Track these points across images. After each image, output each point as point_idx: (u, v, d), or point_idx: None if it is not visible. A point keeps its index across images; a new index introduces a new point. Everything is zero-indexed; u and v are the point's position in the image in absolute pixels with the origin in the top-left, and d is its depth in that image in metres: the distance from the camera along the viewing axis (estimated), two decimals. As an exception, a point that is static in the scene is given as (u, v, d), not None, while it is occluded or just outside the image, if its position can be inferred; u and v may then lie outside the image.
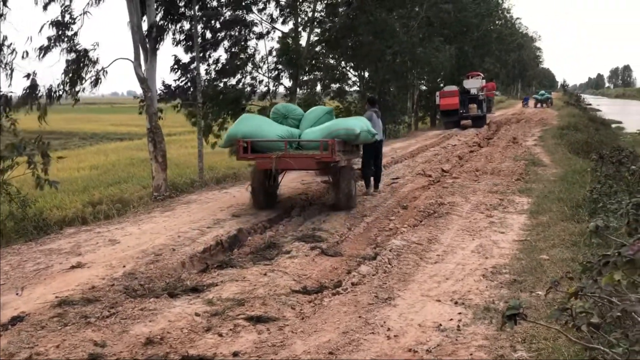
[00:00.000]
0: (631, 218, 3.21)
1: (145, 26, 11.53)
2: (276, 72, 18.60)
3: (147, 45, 11.25)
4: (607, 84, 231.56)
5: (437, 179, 12.27)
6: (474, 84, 29.08)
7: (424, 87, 33.44)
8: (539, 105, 50.15)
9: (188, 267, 6.32)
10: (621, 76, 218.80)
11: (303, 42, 18.79)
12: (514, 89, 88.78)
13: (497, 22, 40.48)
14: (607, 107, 67.95)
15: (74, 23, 10.86)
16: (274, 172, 8.74)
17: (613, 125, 40.21)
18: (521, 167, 13.41)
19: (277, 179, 9.39)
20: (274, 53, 18.42)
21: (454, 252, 6.65)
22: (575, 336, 2.70)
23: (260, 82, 18.46)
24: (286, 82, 18.81)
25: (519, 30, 70.84)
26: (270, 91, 18.47)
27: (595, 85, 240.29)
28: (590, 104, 67.72)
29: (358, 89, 24.53)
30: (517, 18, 67.91)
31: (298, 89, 19.18)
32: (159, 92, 14.55)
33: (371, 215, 8.82)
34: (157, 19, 13.12)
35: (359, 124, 8.99)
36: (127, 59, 11.21)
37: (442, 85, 32.34)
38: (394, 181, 11.97)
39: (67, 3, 10.78)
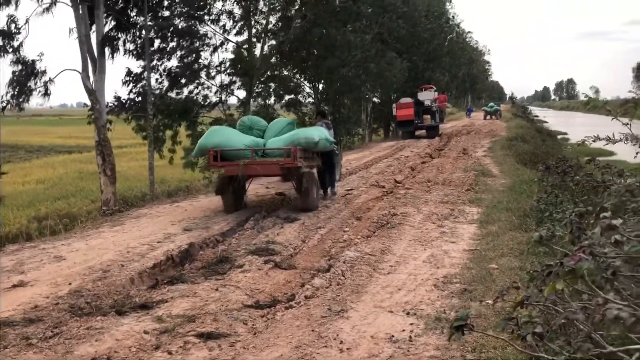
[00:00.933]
0: (574, 227, 3.30)
1: (94, 36, 11.28)
2: (229, 83, 18.50)
3: (96, 56, 10.99)
4: (553, 97, 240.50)
5: (390, 190, 12.39)
6: (427, 96, 30.74)
7: (377, 100, 33.90)
8: (488, 117, 51.46)
9: (137, 283, 6.14)
10: (566, 89, 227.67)
11: (257, 53, 18.76)
12: (464, 102, 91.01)
13: (448, 36, 41.51)
14: (553, 119, 70.56)
15: (19, 33, 10.54)
16: (241, 177, 9.52)
17: (559, 137, 41.75)
18: (471, 178, 13.70)
19: (244, 185, 10.10)
20: (228, 63, 18.33)
21: (406, 262, 6.70)
22: (521, 345, 2.74)
23: (215, 92, 18.33)
24: (240, 92, 18.74)
25: (470, 44, 72.86)
26: (223, 102, 18.33)
27: (542, 97, 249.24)
28: (537, 116, 70.21)
29: (312, 100, 24.63)
30: (468, 32, 69.87)
31: (252, 100, 19.11)
32: (109, 104, 14.24)
33: (325, 226, 8.82)
34: (107, 28, 12.86)
35: (317, 133, 9.91)
36: (75, 70, 10.93)
37: (394, 97, 33.12)
38: (348, 192, 12.02)
39: (11, 12, 10.46)
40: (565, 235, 3.71)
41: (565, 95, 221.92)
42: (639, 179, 3.38)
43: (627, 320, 1.80)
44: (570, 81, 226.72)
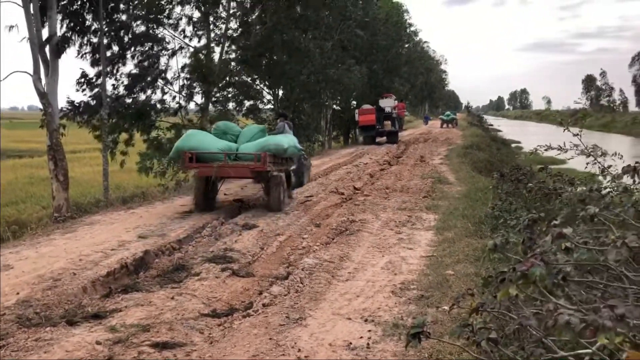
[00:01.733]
0: (527, 235, 3.37)
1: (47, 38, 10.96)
2: (188, 88, 18.27)
3: (48, 59, 10.67)
4: (507, 106, 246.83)
5: (349, 197, 12.44)
6: (388, 104, 32.05)
7: (337, 107, 34.11)
8: (445, 125, 52.42)
9: (90, 292, 5.96)
10: (519, 99, 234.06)
11: (216, 58, 18.60)
12: (421, 110, 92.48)
13: (406, 45, 42.14)
14: (507, 128, 72.34)
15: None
16: (215, 178, 10.35)
17: (513, 145, 42.84)
18: (428, 185, 13.90)
19: (216, 185, 10.85)
20: (186, 69, 18.11)
21: (365, 269, 6.73)
22: (476, 351, 2.78)
23: (173, 98, 18.08)
24: (198, 98, 18.53)
25: (427, 54, 74.13)
26: (182, 107, 18.09)
27: (497, 107, 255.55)
28: (492, 125, 71.87)
29: (272, 107, 24.55)
30: (425, 42, 71.09)
31: (210, 106, 18.92)
32: (63, 108, 13.86)
33: (284, 233, 8.78)
34: (61, 30, 12.53)
35: (286, 141, 10.74)
36: (26, 72, 10.59)
37: (354, 105, 33.58)
38: (307, 199, 12.01)
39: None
40: (519, 242, 3.79)
41: (518, 104, 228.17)
42: (589, 189, 3.49)
43: (577, 326, 1.84)
44: (524, 91, 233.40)
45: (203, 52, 18.22)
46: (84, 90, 15.23)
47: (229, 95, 21.78)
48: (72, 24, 13.65)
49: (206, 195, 10.50)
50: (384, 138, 31.52)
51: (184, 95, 18.15)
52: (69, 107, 14.92)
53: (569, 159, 5.59)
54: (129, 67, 16.71)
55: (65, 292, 5.78)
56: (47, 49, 10.64)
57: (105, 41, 15.44)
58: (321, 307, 5.36)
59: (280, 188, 10.69)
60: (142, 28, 16.65)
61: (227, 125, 11.81)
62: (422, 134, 41.33)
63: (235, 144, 10.85)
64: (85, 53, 14.56)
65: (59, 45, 11.02)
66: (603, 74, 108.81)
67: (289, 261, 7.26)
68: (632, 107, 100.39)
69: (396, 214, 10.22)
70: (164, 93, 17.75)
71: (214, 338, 4.67)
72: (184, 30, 18.17)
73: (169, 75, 17.91)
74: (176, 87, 18.03)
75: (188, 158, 10.06)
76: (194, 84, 18.18)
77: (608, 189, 4.03)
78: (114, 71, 16.34)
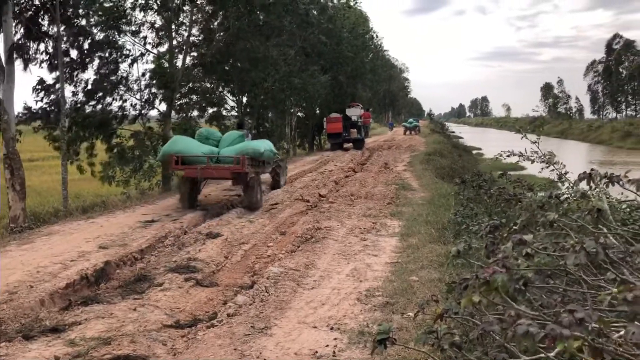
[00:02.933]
0: (488, 241, 3.42)
1: (2, 44, 10.65)
2: (149, 95, 18.00)
3: (4, 65, 10.37)
4: (468, 113, 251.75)
5: (314, 204, 12.46)
6: (354, 112, 33.42)
7: (301, 114, 34.16)
8: (408, 132, 53.06)
9: (48, 305, 5.79)
10: (480, 106, 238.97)
11: (178, 64, 18.39)
12: (385, 117, 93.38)
13: (370, 54, 42.48)
14: (468, 135, 73.75)
15: None
16: (199, 179, 11.60)
17: (474, 152, 43.68)
18: (392, 192, 14.02)
19: (199, 186, 12.09)
20: (148, 75, 17.85)
21: (330, 276, 6.73)
22: (441, 357, 2.80)
23: (133, 105, 17.77)
24: (160, 105, 18.27)
25: (389, 61, 74.83)
26: (143, 115, 17.81)
27: (458, 114, 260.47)
28: (453, 132, 73.19)
29: (236, 114, 24.40)
30: (385, 50, 71.68)
31: (173, 113, 18.69)
32: (19, 114, 13.48)
33: (249, 242, 8.72)
34: (17, 37, 12.19)
35: (263, 145, 11.99)
36: (-20, 78, 10.25)
37: (319, 112, 33.99)
38: (272, 207, 11.97)
39: None
40: (481, 248, 3.85)
41: (479, 112, 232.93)
42: (548, 195, 3.57)
43: (536, 335, 1.88)
44: (484, 99, 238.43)
45: (165, 58, 17.99)
46: (41, 97, 14.83)
47: (192, 102, 21.55)
48: (27, 30, 13.28)
49: (191, 195, 11.71)
50: (351, 144, 33.14)
51: (145, 102, 17.87)
52: (26, 113, 14.51)
53: (527, 165, 5.73)
54: (89, 74, 16.39)
55: (22, 306, 5.60)
56: (2, 54, 10.35)
57: (63, 47, 15.09)
58: (287, 316, 5.34)
59: (257, 188, 11.89)
60: (102, 34, 16.32)
61: (209, 131, 13.21)
62: (386, 141, 41.73)
63: (217, 148, 11.94)
64: (43, 61, 14.16)
65: (15, 52, 10.72)
66: (560, 82, 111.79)
67: (254, 270, 7.21)
68: (587, 114, 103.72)
69: (361, 221, 10.27)
70: (124, 100, 17.44)
71: (178, 350, 4.59)
72: (145, 37, 17.91)
73: (130, 81, 17.60)
74: (137, 94, 17.74)
75: (174, 161, 11.13)
76: (156, 91, 17.91)
77: (566, 195, 4.13)
78: (73, 78, 15.97)
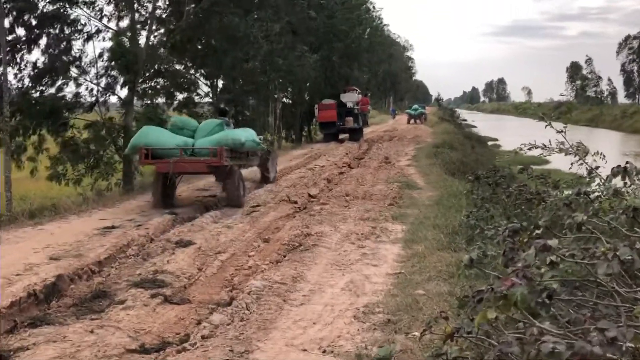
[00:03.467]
0: (507, 247, 3.43)
1: None
2: (108, 79, 17.94)
3: None
4: (482, 98, 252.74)
5: (303, 206, 12.47)
6: (350, 98, 33.20)
7: (287, 100, 34.15)
8: (412, 121, 53.13)
9: (-11, 327, 5.76)
10: (496, 90, 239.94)
11: (142, 43, 18.33)
12: (385, 103, 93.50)
13: (367, 29, 42.49)
14: (482, 123, 74.11)
15: None
16: (171, 174, 11.73)
17: (489, 143, 43.88)
18: (394, 191, 14.06)
19: (174, 182, 12.33)
20: (106, 56, 17.77)
21: (322, 290, 6.74)
22: (452, 384, 2.81)
23: (90, 91, 17.70)
24: (122, 91, 18.20)
25: (390, 38, 74.81)
26: (101, 102, 17.74)
27: (471, 99, 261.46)
28: (465, 120, 73.45)
29: (211, 100, 24.35)
30: (385, 24, 71.52)
31: (136, 99, 18.63)
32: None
33: (227, 251, 8.70)
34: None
35: (244, 135, 12.45)
36: None
37: (308, 98, 33.88)
38: (254, 209, 11.97)
39: None
40: (498, 255, 3.86)
41: (495, 96, 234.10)
42: (575, 192, 3.58)
43: (563, 354, 1.89)
44: (501, 81, 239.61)
45: (126, 35, 17.91)
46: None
47: (158, 87, 21.50)
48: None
49: (164, 192, 11.97)
50: (347, 135, 32.71)
51: (103, 87, 17.80)
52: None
53: (551, 158, 5.76)
54: (37, 54, 16.34)
55: (-42, 329, 5.56)
56: None
57: (6, 23, 15.01)
58: (271, 338, 5.34)
59: (240, 183, 12.32)
60: (51, 7, 16.24)
61: (183, 120, 13.71)
62: (387, 131, 41.83)
63: (192, 140, 12.20)
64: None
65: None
66: (589, 61, 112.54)
67: (233, 284, 7.20)
68: (621, 98, 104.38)
69: (358, 226, 10.29)
70: (78, 85, 17.35)
71: (143, 379, 4.58)
72: (102, 10, 17.81)
73: (85, 62, 17.53)
74: (94, 78, 17.67)
75: (144, 154, 11.52)
76: (115, 74, 17.83)
77: (597, 193, 4.15)
78: (18, 59, 15.90)
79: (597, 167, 4.90)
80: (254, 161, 14.14)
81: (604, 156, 5.04)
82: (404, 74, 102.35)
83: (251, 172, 15.11)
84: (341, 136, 32.83)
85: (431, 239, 8.85)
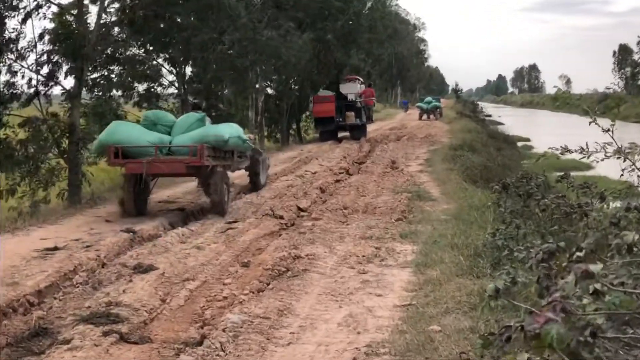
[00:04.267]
0: (541, 273, 3.44)
1: None
2: (51, 66, 17.91)
3: None
4: (510, 89, 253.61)
5: (291, 222, 12.47)
6: (351, 89, 34.21)
7: (271, 91, 34.19)
8: (424, 116, 53.21)
9: None
10: (527, 78, 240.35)
11: (92, 22, 18.35)
12: (391, 95, 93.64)
13: (368, 4, 42.54)
14: (511, 119, 74.39)
15: None
16: (145, 176, 12.34)
17: (519, 144, 43.97)
18: (403, 203, 14.06)
19: (148, 185, 13.05)
20: (47, 37, 17.74)
21: (315, 327, 6.74)
22: None
23: (28, 81, 17.67)
24: (67, 81, 18.18)
25: (395, 13, 74.57)
26: (42, 94, 17.70)
27: (496, 90, 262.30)
28: (490, 115, 73.76)
29: (177, 91, 24.33)
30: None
31: (84, 91, 18.61)
32: None
33: (196, 277, 8.68)
34: None
35: (228, 131, 13.11)
36: None
37: (296, 88, 33.94)
38: (230, 226, 11.95)
39: None
40: (531, 283, 3.88)
41: (526, 86, 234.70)
42: (625, 206, 3.59)
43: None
44: (533, 68, 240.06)
45: (72, 12, 17.90)
46: None
47: (112, 76, 21.48)
48: None
49: (136, 197, 12.60)
50: (347, 133, 33.44)
51: (44, 76, 17.76)
52: None
53: (597, 162, 5.74)
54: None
55: None
56: None
57: None
58: (252, 385, 5.33)
59: (223, 186, 12.92)
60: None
61: (157, 114, 14.21)
62: (394, 129, 41.91)
63: (169, 137, 12.96)
64: None
65: None
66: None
67: (204, 319, 7.18)
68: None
69: (358, 246, 10.29)
70: (13, 73, 17.31)
71: None
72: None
73: (22, 46, 17.50)
74: (33, 65, 17.64)
75: (113, 153, 12.10)
76: (59, 59, 17.81)
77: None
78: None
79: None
80: (242, 163, 14.90)
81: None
82: (415, 59, 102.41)
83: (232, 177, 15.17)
84: (341, 134, 33.32)
85: (448, 262, 8.85)
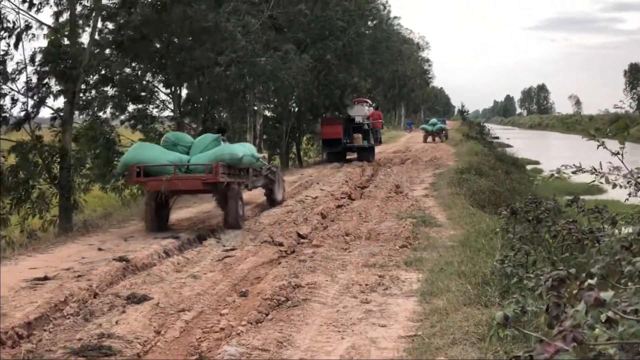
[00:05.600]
0: (551, 301, 3.45)
1: None
2: (41, 88, 17.98)
3: None
4: (518, 110, 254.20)
5: (291, 249, 12.45)
6: (359, 112, 35.63)
7: (269, 113, 34.36)
8: (429, 139, 53.33)
9: None
10: (536, 99, 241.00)
11: (84, 40, 18.44)
12: (395, 116, 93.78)
13: (370, 23, 42.77)
14: (520, 141, 74.37)
15: None
16: (164, 193, 13.38)
17: (529, 167, 44.02)
18: (407, 229, 14.05)
19: (168, 203, 14.33)
20: (38, 58, 17.83)
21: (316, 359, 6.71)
22: None
23: (15, 102, 17.73)
24: (57, 102, 18.26)
25: (398, 33, 74.92)
26: (32, 117, 17.76)
27: (504, 111, 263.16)
28: (497, 137, 73.78)
29: (172, 113, 24.40)
30: (395, 17, 71.52)
31: (77, 113, 18.69)
32: None
33: (192, 308, 8.68)
34: None
35: (242, 149, 14.64)
36: None
37: (295, 111, 34.40)
38: (227, 254, 11.95)
39: None
40: (541, 311, 3.88)
41: (535, 107, 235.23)
42: (637, 231, 3.61)
43: None
44: (542, 88, 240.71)
45: (64, 32, 18.00)
46: None
47: (104, 97, 21.56)
48: None
49: (158, 214, 13.85)
50: (355, 155, 34.82)
51: (36, 99, 17.83)
52: None
53: (608, 186, 5.75)
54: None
55: None
56: None
57: None
58: (250, 420, 5.31)
59: (238, 202, 14.23)
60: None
61: (177, 136, 15.72)
62: (398, 152, 41.97)
63: (187, 156, 14.33)
64: None
65: None
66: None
67: (200, 351, 7.17)
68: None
69: (361, 274, 10.28)
70: (2, 95, 17.37)
71: None
72: (32, 2, 17.90)
73: (11, 67, 17.59)
74: (21, 87, 17.72)
75: (135, 172, 13.34)
76: (50, 82, 17.89)
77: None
78: None
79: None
80: (258, 181, 16.58)
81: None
82: (419, 79, 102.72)
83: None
84: (349, 156, 34.66)
85: (455, 290, 8.84)
